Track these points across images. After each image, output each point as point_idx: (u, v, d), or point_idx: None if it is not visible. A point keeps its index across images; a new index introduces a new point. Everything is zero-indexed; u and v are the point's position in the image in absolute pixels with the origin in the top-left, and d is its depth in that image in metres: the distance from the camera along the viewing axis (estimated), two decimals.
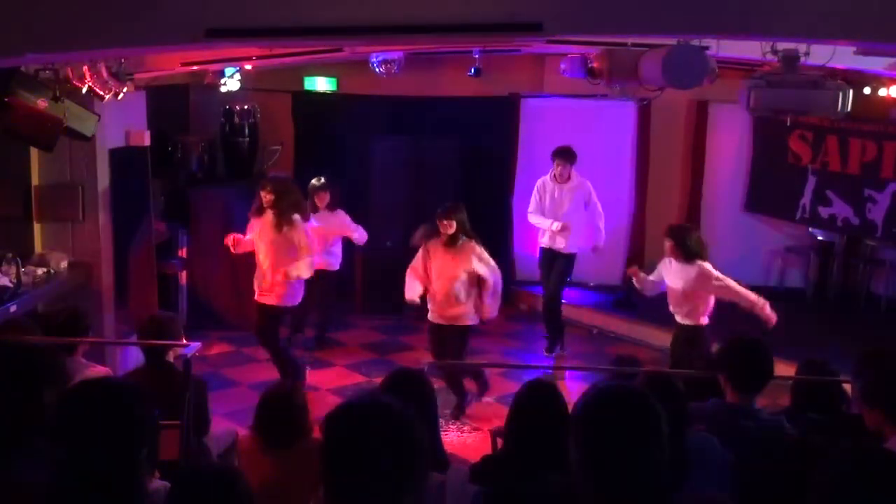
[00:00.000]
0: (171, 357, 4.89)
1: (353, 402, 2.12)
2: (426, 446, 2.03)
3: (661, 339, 8.29)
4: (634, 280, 6.62)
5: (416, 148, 9.55)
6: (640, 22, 3.62)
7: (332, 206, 8.09)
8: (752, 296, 6.10)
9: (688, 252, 6.17)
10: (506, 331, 9.33)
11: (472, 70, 7.89)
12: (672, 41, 4.60)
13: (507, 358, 8.44)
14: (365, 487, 1.93)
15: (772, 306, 6.07)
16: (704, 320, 6.28)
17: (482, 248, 6.62)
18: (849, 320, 9.15)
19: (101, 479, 2.11)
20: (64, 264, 6.70)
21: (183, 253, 8.78)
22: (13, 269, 6.10)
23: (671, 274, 6.33)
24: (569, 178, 8.25)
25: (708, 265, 6.16)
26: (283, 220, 6.70)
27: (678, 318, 6.34)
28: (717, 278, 6.13)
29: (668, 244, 6.29)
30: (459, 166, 9.64)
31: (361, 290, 9.51)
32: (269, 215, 6.81)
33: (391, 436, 1.94)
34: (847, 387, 4.18)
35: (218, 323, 8.66)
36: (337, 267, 8.22)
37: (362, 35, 3.82)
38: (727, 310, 6.30)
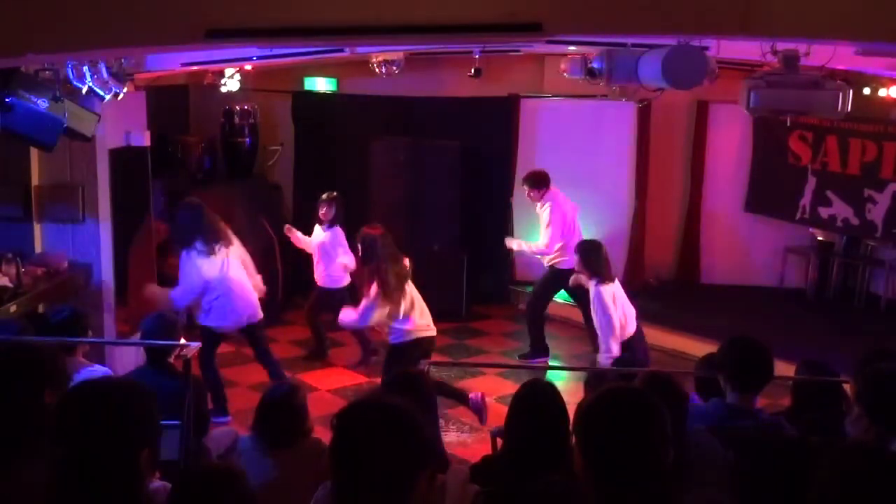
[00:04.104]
0: (171, 357, 4.90)
1: (362, 401, 2.14)
2: (433, 446, 2.06)
3: (662, 339, 8.31)
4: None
5: (415, 148, 9.54)
6: (640, 22, 3.62)
7: (332, 223, 7.87)
8: None
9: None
10: (505, 331, 9.35)
11: (473, 70, 7.89)
12: (672, 41, 4.60)
13: (506, 358, 8.44)
14: (373, 486, 1.95)
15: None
16: None
17: None
18: (849, 320, 9.15)
19: (102, 479, 2.11)
20: (64, 264, 6.70)
21: None
22: (13, 269, 6.10)
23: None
24: (538, 199, 8.25)
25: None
26: None
27: None
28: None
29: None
30: (459, 167, 9.64)
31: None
32: None
33: (400, 435, 1.97)
34: (847, 387, 4.19)
35: None
36: (334, 285, 7.92)
37: (362, 35, 3.81)
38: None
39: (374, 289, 6.21)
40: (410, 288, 6.38)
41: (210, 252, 6.34)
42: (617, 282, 6.64)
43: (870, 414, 3.08)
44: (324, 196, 7.91)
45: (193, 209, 6.52)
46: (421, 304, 6.40)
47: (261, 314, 6.76)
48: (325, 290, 7.96)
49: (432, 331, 6.43)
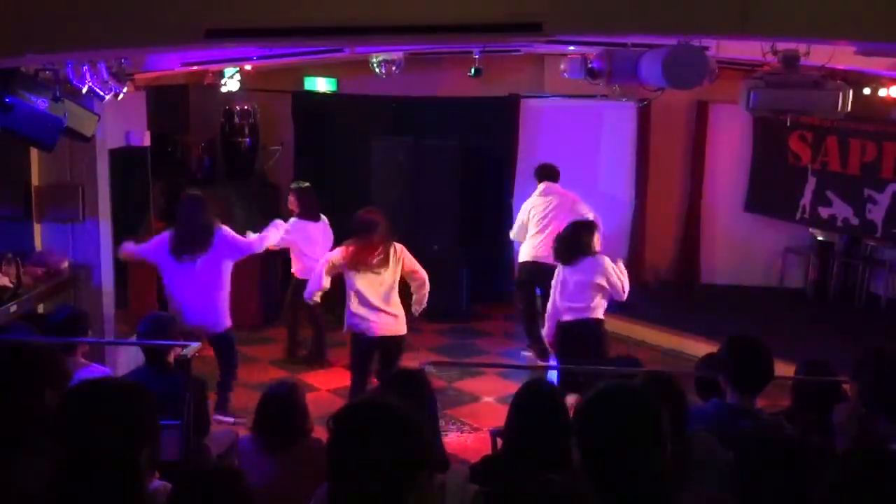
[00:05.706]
0: (170, 357, 4.89)
1: (358, 402, 2.14)
2: (431, 447, 2.05)
3: (661, 339, 8.32)
4: None
5: (415, 148, 9.54)
6: (640, 22, 3.62)
7: (301, 215, 7.73)
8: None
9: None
10: (506, 331, 9.34)
11: (472, 70, 7.89)
12: (672, 41, 4.60)
13: (506, 358, 8.44)
14: (370, 487, 1.94)
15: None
16: None
17: None
18: (849, 320, 9.14)
19: (102, 479, 2.11)
20: (64, 264, 6.70)
21: None
22: (13, 269, 6.10)
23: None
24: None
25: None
26: None
27: None
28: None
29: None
30: (459, 167, 9.64)
31: None
32: None
33: (397, 436, 1.96)
34: (847, 387, 4.19)
35: None
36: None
37: (362, 35, 3.82)
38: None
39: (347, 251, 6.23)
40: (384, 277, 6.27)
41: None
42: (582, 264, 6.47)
43: (879, 410, 3.08)
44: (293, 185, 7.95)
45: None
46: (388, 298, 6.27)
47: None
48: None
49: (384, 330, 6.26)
